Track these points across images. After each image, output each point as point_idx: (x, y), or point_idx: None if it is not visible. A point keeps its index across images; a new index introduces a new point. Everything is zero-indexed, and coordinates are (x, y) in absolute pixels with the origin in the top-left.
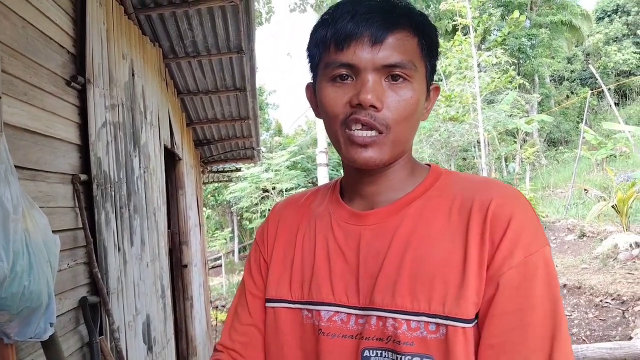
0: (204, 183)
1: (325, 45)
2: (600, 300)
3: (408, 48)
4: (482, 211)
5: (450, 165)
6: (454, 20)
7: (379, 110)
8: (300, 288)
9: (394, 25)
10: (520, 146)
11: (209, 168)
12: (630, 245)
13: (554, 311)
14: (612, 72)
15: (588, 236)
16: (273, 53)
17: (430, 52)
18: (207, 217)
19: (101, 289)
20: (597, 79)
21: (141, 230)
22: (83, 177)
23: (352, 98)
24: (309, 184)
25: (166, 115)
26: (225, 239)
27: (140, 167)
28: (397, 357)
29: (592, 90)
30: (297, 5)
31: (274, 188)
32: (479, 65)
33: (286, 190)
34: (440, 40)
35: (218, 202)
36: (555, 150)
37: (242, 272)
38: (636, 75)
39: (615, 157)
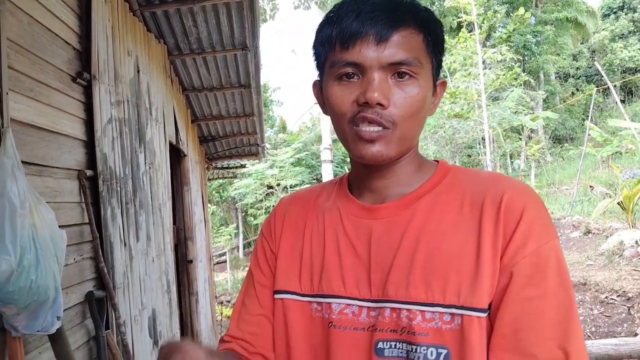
0: (209, 179)
1: (331, 44)
2: (606, 297)
3: (413, 45)
4: (495, 204)
5: (454, 162)
6: (459, 17)
7: (386, 107)
8: (310, 281)
9: (399, 23)
10: (526, 143)
11: (213, 164)
12: (636, 242)
13: (566, 300)
14: (617, 69)
15: (593, 233)
16: (277, 50)
17: (436, 48)
18: (212, 213)
19: (107, 283)
20: (602, 76)
21: (147, 225)
22: (89, 172)
23: (358, 97)
24: (314, 181)
25: (171, 111)
26: (230, 235)
27: (145, 163)
28: (411, 348)
29: (597, 87)
30: (302, 3)
31: (278, 184)
32: (483, 62)
33: (291, 187)
34: (445, 37)
35: (223, 198)
36: (561, 147)
37: (247, 268)
38: None
39: (621, 154)
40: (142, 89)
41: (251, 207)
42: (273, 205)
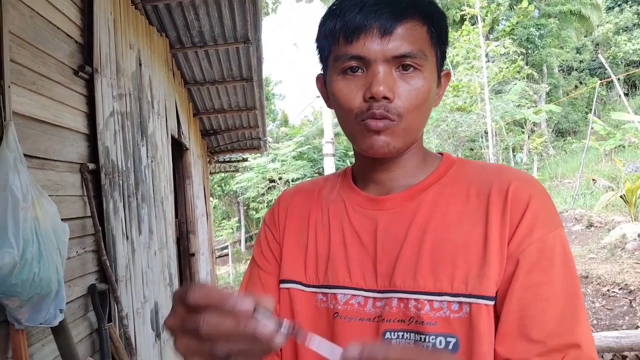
0: (211, 173)
1: (334, 37)
2: (608, 290)
3: (417, 37)
4: (502, 193)
5: (457, 155)
6: (462, 10)
7: (391, 101)
8: (315, 272)
9: (402, 15)
10: (528, 136)
11: (215, 158)
12: (639, 235)
13: (573, 286)
14: (621, 62)
15: (596, 226)
16: (279, 43)
17: (440, 39)
18: (214, 207)
19: (110, 276)
20: (606, 69)
21: (149, 219)
22: (91, 166)
23: (364, 92)
24: (316, 175)
25: (173, 105)
26: (232, 229)
27: (147, 156)
28: (420, 338)
29: (601, 80)
30: None
31: (280, 178)
32: (487, 55)
33: (292, 181)
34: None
35: (225, 192)
36: (564, 140)
37: (249, 262)
38: None
39: (624, 147)
40: (144, 82)
41: (253, 201)
42: (275, 199)
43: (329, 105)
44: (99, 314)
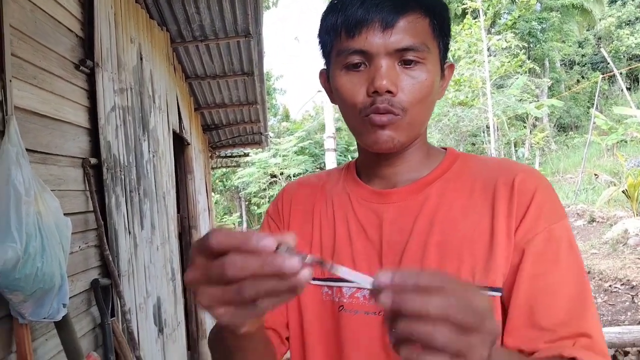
0: (213, 168)
1: (336, 32)
2: (610, 285)
3: (420, 30)
4: (508, 185)
5: (459, 150)
6: (464, 4)
7: (395, 94)
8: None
9: (404, 9)
10: (530, 131)
11: (217, 153)
12: None
13: (579, 275)
14: (624, 56)
15: (598, 221)
16: (280, 37)
17: (442, 31)
18: (216, 202)
19: (112, 271)
20: (608, 63)
21: (151, 213)
22: (93, 160)
23: (368, 86)
24: (317, 169)
25: (174, 99)
26: (234, 224)
27: (149, 151)
28: None
29: (603, 74)
30: None
31: (281, 173)
32: (488, 49)
33: (294, 176)
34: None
35: (226, 187)
36: (565, 135)
37: None
38: None
39: (626, 142)
40: (145, 76)
41: (254, 196)
42: (276, 194)
43: (333, 101)
44: (101, 309)
